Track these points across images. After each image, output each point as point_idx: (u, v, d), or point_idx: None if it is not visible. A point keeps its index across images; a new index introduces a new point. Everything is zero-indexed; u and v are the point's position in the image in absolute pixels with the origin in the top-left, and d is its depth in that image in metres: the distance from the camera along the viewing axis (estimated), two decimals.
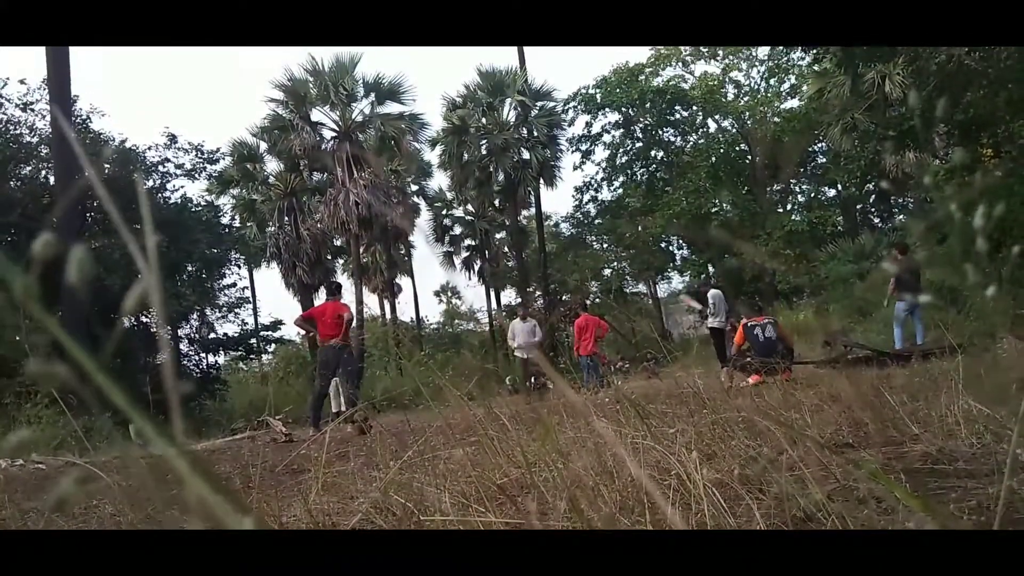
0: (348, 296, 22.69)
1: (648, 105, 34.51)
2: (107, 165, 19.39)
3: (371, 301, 33.60)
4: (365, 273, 29.58)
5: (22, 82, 19.24)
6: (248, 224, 29.26)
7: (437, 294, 47.62)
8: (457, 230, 34.98)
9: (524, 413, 2.95)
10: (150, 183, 21.30)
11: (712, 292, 12.99)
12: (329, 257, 30.02)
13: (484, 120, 29.30)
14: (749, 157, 34.74)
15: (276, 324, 31.72)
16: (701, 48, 34.30)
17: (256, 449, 5.47)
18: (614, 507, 1.55)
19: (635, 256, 35.41)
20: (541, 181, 29.62)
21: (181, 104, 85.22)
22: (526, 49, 29.95)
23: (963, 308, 10.52)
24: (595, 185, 36.67)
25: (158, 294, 0.44)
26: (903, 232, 22.54)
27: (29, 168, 19.64)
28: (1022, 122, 14.09)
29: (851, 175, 24.11)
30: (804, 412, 3.15)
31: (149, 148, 22.28)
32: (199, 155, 23.55)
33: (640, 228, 34.14)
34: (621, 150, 36.07)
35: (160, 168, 22.24)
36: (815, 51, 18.49)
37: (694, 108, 35.32)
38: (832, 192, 33.38)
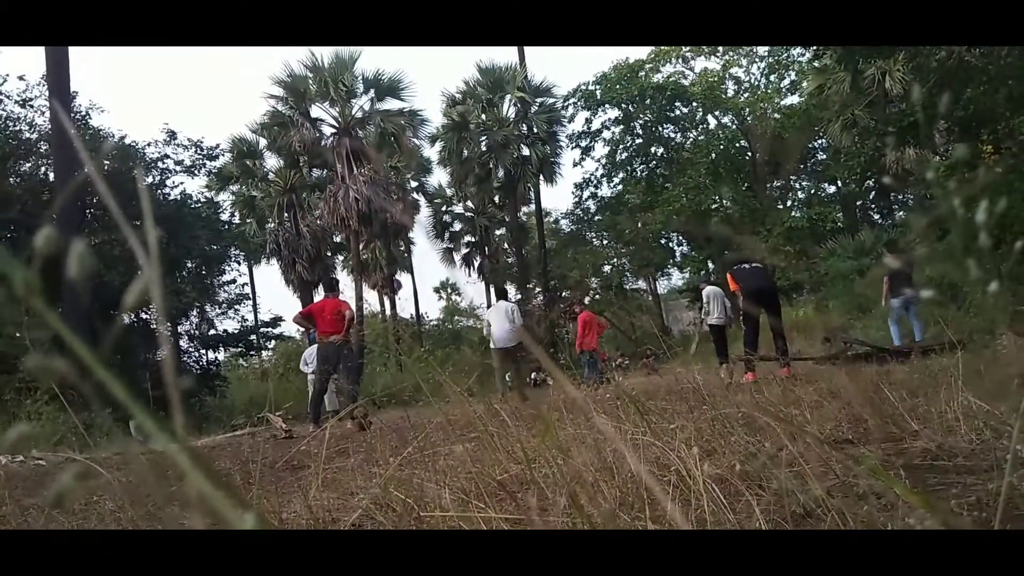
0: (348, 292, 22.72)
1: (648, 101, 34.48)
2: (106, 161, 19.37)
3: (371, 297, 33.66)
4: (365, 269, 29.56)
5: (21, 78, 19.25)
6: (248, 220, 29.26)
7: (437, 290, 47.66)
8: (457, 226, 34.97)
9: (524, 409, 2.96)
10: (149, 179, 21.29)
11: (708, 289, 12.98)
12: (329, 253, 30.02)
13: (484, 116, 29.28)
14: (749, 153, 34.71)
15: (276, 320, 31.73)
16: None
17: (256, 445, 5.48)
18: (614, 503, 1.56)
19: (635, 252, 35.40)
20: (541, 177, 29.61)
21: (180, 100, 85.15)
22: (526, 46, 29.92)
23: (963, 304, 10.52)
24: (595, 181, 36.66)
25: (158, 290, 0.44)
26: (903, 228, 22.55)
27: (29, 164, 19.63)
28: (1022, 118, 14.08)
29: (851, 171, 24.08)
30: (804, 408, 3.16)
31: (148, 144, 22.28)
32: (198, 151, 23.53)
33: (640, 224, 34.12)
34: (621, 146, 36.05)
35: (159, 164, 22.23)
36: (815, 47, 18.48)
37: (694, 104, 35.28)
38: (832, 188, 33.35)
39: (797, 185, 35.22)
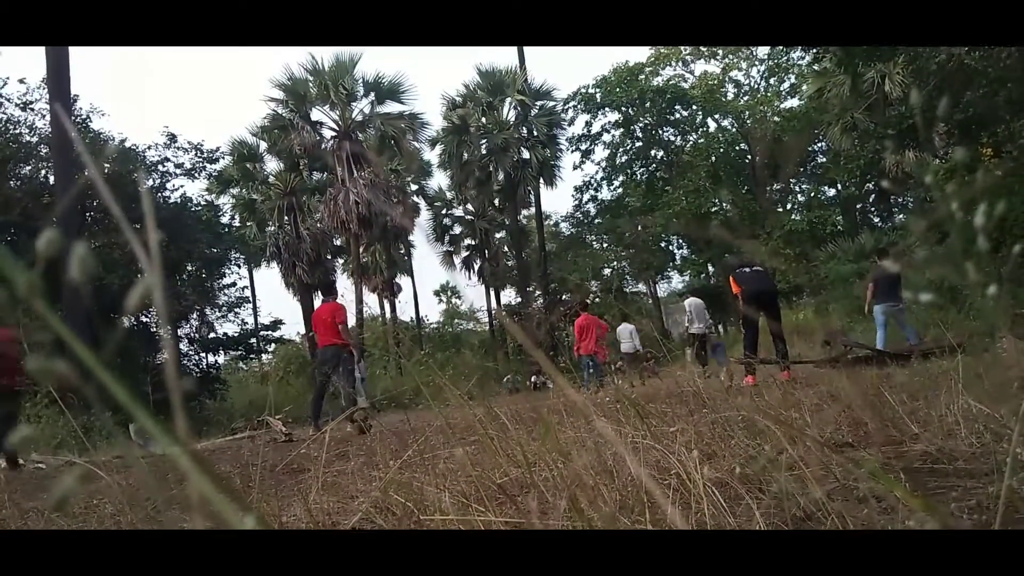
0: (348, 295, 22.71)
1: (648, 104, 34.54)
2: (107, 164, 19.39)
3: (371, 300, 33.64)
4: (365, 273, 29.57)
5: (21, 81, 19.27)
6: (248, 224, 29.28)
7: (437, 294, 47.67)
8: (457, 229, 34.98)
9: (524, 412, 2.96)
10: (150, 182, 21.31)
11: (689, 300, 13.27)
12: (329, 257, 30.04)
13: (484, 119, 29.32)
14: (749, 156, 34.76)
15: (276, 324, 31.75)
16: (701, 47, 34.31)
17: (256, 449, 5.47)
18: (614, 506, 1.55)
19: (635, 255, 35.43)
20: (541, 180, 29.65)
21: (181, 103, 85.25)
22: (526, 49, 30.00)
23: (963, 307, 10.52)
24: (595, 184, 36.72)
25: (160, 293, 0.45)
26: (903, 231, 22.56)
27: (29, 168, 19.65)
28: (1022, 121, 14.09)
29: (851, 174, 24.12)
30: (804, 411, 3.15)
31: (149, 147, 22.31)
32: (199, 154, 23.59)
33: (640, 227, 34.16)
34: (621, 149, 36.10)
35: (160, 167, 22.26)
36: (815, 50, 18.51)
37: (694, 107, 35.33)
38: (832, 191, 33.39)
39: (797, 188, 35.27)
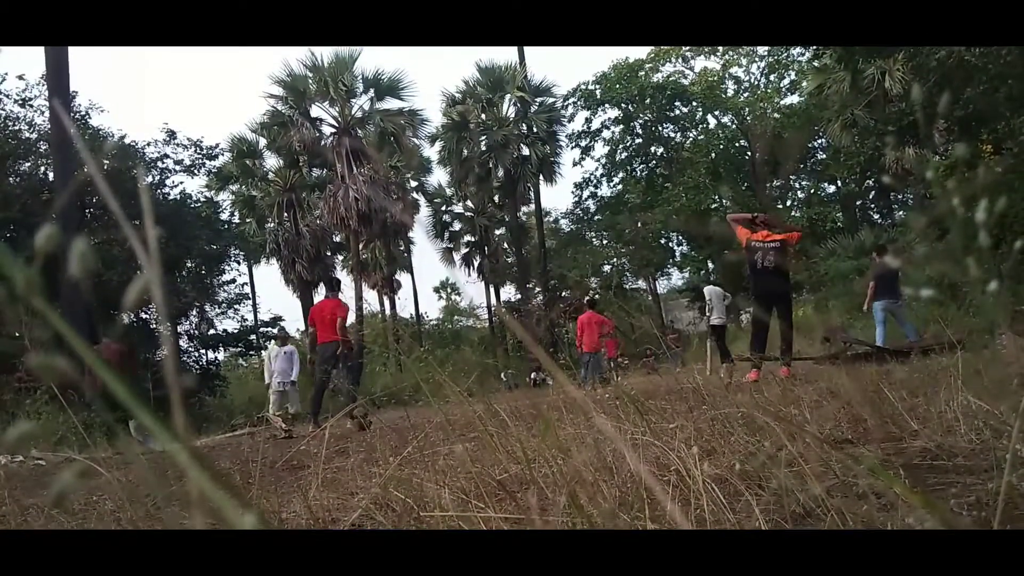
0: (348, 292, 22.68)
1: (648, 101, 34.50)
2: (106, 161, 19.37)
3: (371, 297, 33.65)
4: (364, 269, 29.55)
5: (20, 78, 19.26)
6: (247, 220, 29.26)
7: (436, 290, 47.66)
8: (457, 226, 34.95)
9: (524, 409, 2.96)
10: (149, 179, 21.31)
11: (708, 288, 12.94)
12: (328, 253, 30.01)
13: (484, 116, 29.30)
14: (749, 153, 34.73)
15: (276, 320, 31.73)
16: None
17: (256, 445, 5.47)
18: (614, 503, 1.56)
19: (635, 252, 35.41)
20: (541, 177, 29.63)
21: (180, 100, 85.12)
22: (526, 45, 29.94)
23: (963, 303, 10.52)
24: (595, 181, 36.69)
25: (159, 289, 0.44)
26: (903, 228, 22.56)
27: (28, 164, 19.64)
28: (1022, 118, 14.08)
29: (851, 171, 24.10)
30: (803, 408, 3.16)
31: (148, 144, 22.30)
32: (198, 151, 23.59)
33: (640, 224, 34.14)
34: (621, 146, 36.06)
35: (159, 164, 22.25)
36: (815, 47, 18.48)
37: (694, 104, 35.30)
38: (832, 188, 33.38)
39: (797, 185, 35.24)
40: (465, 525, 1.65)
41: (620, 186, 36.46)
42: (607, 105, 34.92)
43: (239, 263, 28.18)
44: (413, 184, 33.61)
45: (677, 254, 36.54)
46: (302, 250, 27.33)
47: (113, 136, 21.38)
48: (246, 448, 5.46)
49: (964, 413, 2.44)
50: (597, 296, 28.77)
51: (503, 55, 53.21)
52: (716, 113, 35.61)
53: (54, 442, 8.45)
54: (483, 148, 29.40)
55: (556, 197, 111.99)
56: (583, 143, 35.93)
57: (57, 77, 15.45)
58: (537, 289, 31.73)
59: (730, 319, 12.19)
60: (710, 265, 32.73)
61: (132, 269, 16.11)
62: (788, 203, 34.49)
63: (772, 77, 34.93)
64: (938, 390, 2.82)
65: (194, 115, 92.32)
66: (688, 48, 34.81)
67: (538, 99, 29.50)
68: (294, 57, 24.58)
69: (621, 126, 35.69)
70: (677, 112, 35.88)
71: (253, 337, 29.21)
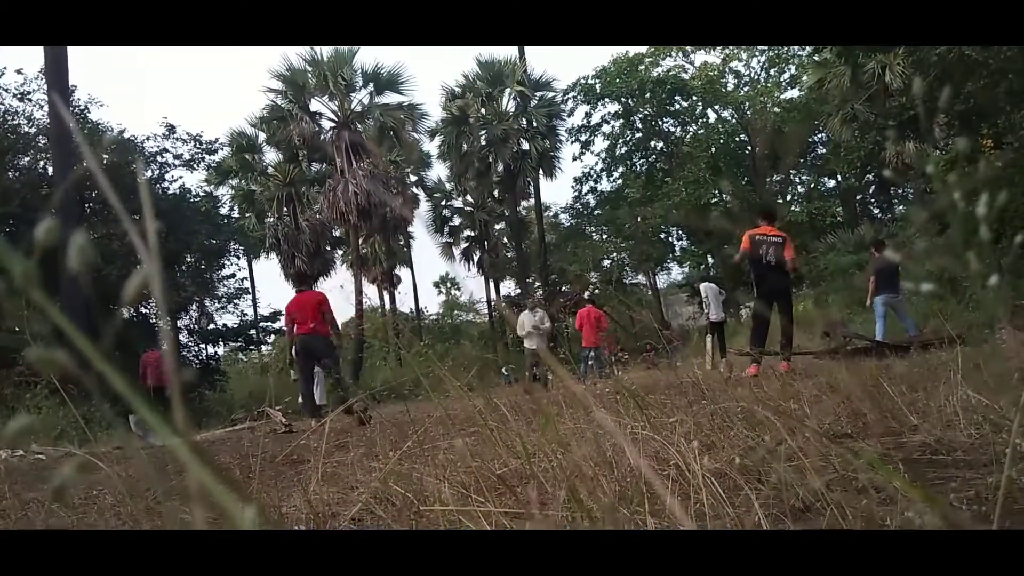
0: (347, 286, 22.68)
1: (648, 95, 34.42)
2: (105, 155, 19.35)
3: (370, 292, 33.65)
4: (364, 264, 29.55)
5: (19, 72, 19.22)
6: (247, 214, 29.26)
7: (436, 285, 47.66)
8: (456, 221, 34.95)
9: (524, 404, 2.96)
10: (148, 173, 21.28)
11: (704, 285, 12.92)
12: (328, 248, 30.02)
13: (483, 110, 29.26)
14: (749, 147, 34.68)
15: (275, 315, 31.72)
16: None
17: (256, 440, 5.48)
18: (613, 497, 1.56)
19: (634, 247, 35.37)
20: (540, 171, 29.61)
21: (179, 94, 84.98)
22: (526, 46, 29.88)
23: (963, 298, 10.54)
24: (594, 175, 36.63)
25: (159, 284, 0.44)
26: (903, 222, 22.55)
27: (27, 159, 19.61)
28: (1023, 112, 14.07)
29: (851, 165, 24.10)
30: (803, 402, 3.16)
31: (147, 138, 22.26)
32: (197, 145, 23.54)
33: (639, 219, 34.11)
34: (620, 140, 36.00)
35: (158, 158, 22.21)
36: None
37: (694, 98, 35.22)
38: (832, 182, 33.33)
39: (797, 179, 35.19)
40: (465, 519, 1.65)
41: (620, 181, 36.40)
42: (607, 99, 34.84)
43: (239, 258, 28.17)
44: (413, 179, 33.61)
45: (677, 249, 36.51)
46: (302, 244, 27.32)
47: (112, 131, 21.35)
48: (246, 442, 5.47)
49: (964, 408, 2.45)
50: (596, 291, 28.75)
51: (503, 50, 53.14)
52: (716, 107, 35.55)
53: (54, 436, 8.46)
54: (483, 143, 29.37)
55: (556, 192, 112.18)
56: (583, 137, 35.87)
57: (56, 72, 15.43)
58: (537, 284, 31.72)
59: (729, 314, 12.20)
60: (710, 260, 32.72)
61: (131, 263, 16.11)
62: (788, 197, 34.46)
63: (772, 71, 34.86)
64: (938, 385, 2.83)
65: (193, 109, 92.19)
66: None
67: (538, 93, 29.47)
68: (293, 52, 24.57)
69: (621, 120, 35.63)
70: (677, 106, 35.80)
71: (253, 332, 29.21)
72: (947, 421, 2.46)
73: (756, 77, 35.52)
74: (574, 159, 39.75)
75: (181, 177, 35.83)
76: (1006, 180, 12.18)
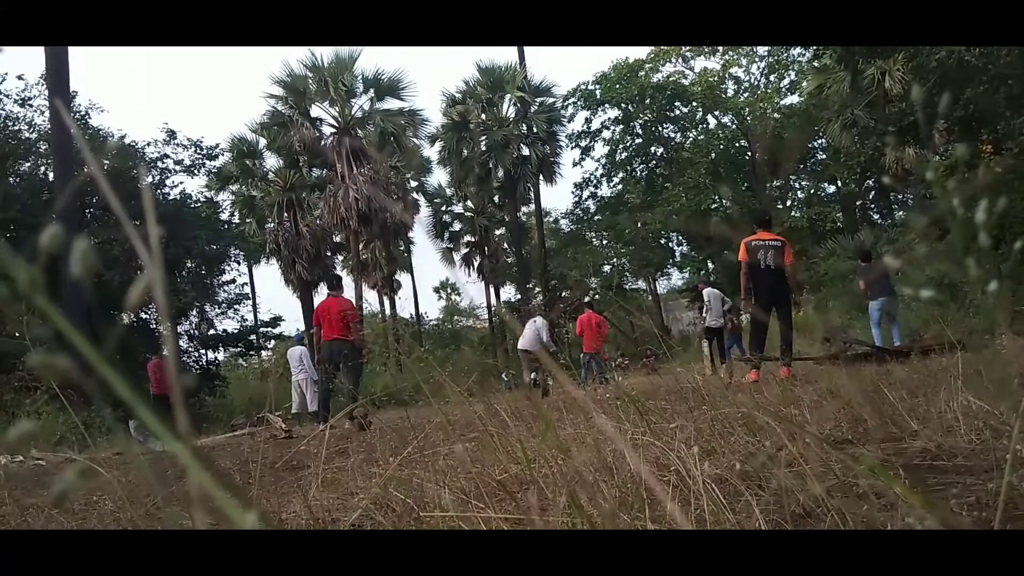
0: (348, 292, 22.68)
1: (648, 101, 34.49)
2: (106, 161, 19.37)
3: (371, 297, 33.65)
4: (364, 269, 29.56)
5: (20, 78, 19.26)
6: (247, 220, 29.24)
7: (437, 290, 47.64)
8: (457, 226, 34.98)
9: (524, 409, 2.96)
10: (149, 179, 21.31)
11: (708, 291, 12.92)
12: (328, 253, 30.01)
13: (484, 116, 29.30)
14: (749, 153, 34.74)
15: (276, 320, 31.73)
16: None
17: (256, 445, 5.48)
18: (614, 503, 1.56)
19: (634, 252, 35.40)
20: (541, 177, 29.63)
21: (180, 100, 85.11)
22: (526, 46, 29.94)
23: (963, 304, 10.52)
24: (595, 181, 36.68)
25: (161, 289, 0.44)
26: (903, 228, 22.55)
27: (28, 164, 19.63)
28: (1022, 118, 14.08)
29: (851, 171, 24.09)
30: (803, 408, 3.16)
31: (148, 144, 22.29)
32: (198, 151, 23.58)
33: (639, 224, 34.13)
34: (621, 146, 36.06)
35: (159, 164, 22.24)
36: (815, 47, 18.48)
37: (694, 104, 35.29)
38: (832, 188, 33.36)
39: (797, 185, 35.22)
40: (465, 525, 1.65)
41: (620, 186, 36.45)
42: (607, 105, 34.91)
43: (239, 263, 28.16)
44: (413, 184, 33.61)
45: (677, 254, 36.54)
46: (302, 250, 27.31)
47: (113, 136, 21.39)
48: (246, 448, 5.47)
49: (964, 413, 2.45)
50: (596, 297, 28.74)
51: (503, 55, 53.31)
52: (716, 113, 35.61)
53: (53, 442, 8.45)
54: (483, 148, 29.40)
55: (556, 197, 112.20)
56: (583, 143, 35.95)
57: (57, 77, 15.45)
58: (537, 289, 31.73)
59: (729, 319, 12.21)
60: (710, 265, 32.73)
61: (132, 269, 16.12)
62: (788, 203, 34.49)
63: (772, 77, 34.92)
64: (938, 390, 2.82)
65: (194, 115, 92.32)
66: (688, 48, 34.81)
67: (538, 99, 29.51)
68: (294, 57, 24.64)
69: (621, 126, 35.69)
70: (677, 112, 35.88)
71: (253, 337, 29.19)
72: (947, 427, 2.46)
73: (756, 83, 35.60)
74: (574, 165, 39.77)
75: (182, 183, 35.99)
76: (1006, 186, 12.19)
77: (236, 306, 27.27)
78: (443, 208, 35.09)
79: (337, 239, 29.75)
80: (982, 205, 0.70)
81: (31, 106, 19.38)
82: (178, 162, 22.98)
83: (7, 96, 18.98)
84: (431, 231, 34.46)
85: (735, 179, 33.71)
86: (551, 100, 30.43)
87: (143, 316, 19.24)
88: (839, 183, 30.82)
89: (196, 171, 23.94)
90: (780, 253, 7.99)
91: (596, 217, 37.08)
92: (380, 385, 14.46)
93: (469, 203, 33.73)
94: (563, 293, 33.89)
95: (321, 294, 23.70)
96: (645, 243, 34.84)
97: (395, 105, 25.70)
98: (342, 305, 9.19)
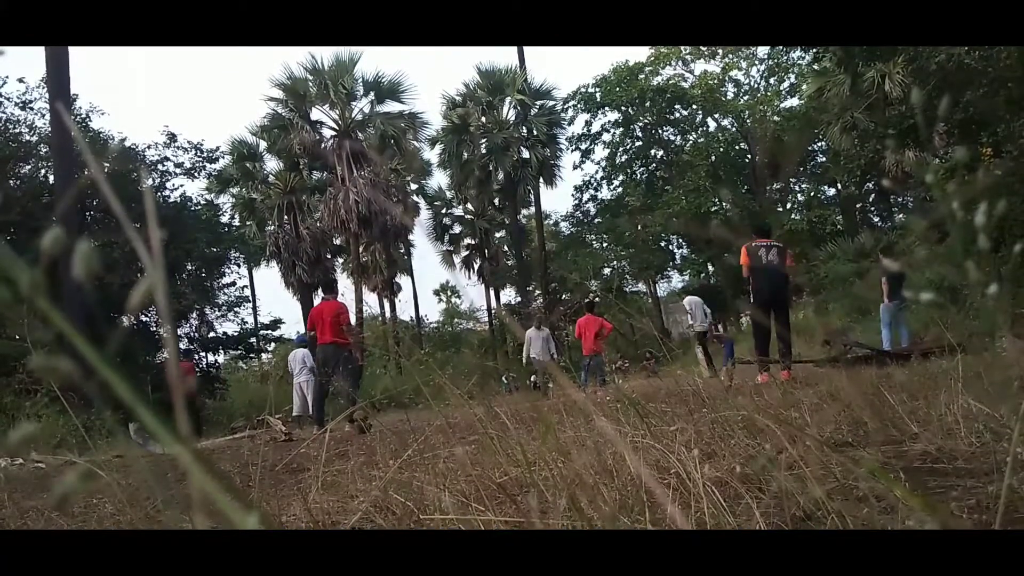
0: (348, 295, 22.67)
1: (648, 104, 34.54)
2: (107, 164, 19.39)
3: (371, 300, 33.65)
4: (365, 272, 29.57)
5: (21, 81, 19.26)
6: (248, 223, 29.24)
7: (437, 293, 47.67)
8: (457, 229, 34.98)
9: (525, 412, 2.96)
10: (150, 181, 21.31)
11: (688, 299, 13.29)
12: (329, 256, 30.01)
13: (484, 119, 29.32)
14: (749, 156, 34.77)
15: (276, 323, 31.71)
16: (701, 47, 34.30)
17: (256, 448, 5.47)
18: (614, 506, 1.56)
19: (635, 255, 35.43)
20: (541, 180, 29.64)
21: (180, 103, 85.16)
22: (526, 48, 30.00)
23: (963, 307, 10.52)
24: (595, 184, 36.72)
25: (162, 292, 0.45)
26: (903, 231, 22.55)
27: (28, 167, 19.64)
28: (1022, 121, 14.08)
29: (851, 174, 24.11)
30: (804, 411, 3.15)
31: (148, 147, 22.30)
32: (198, 154, 23.58)
33: (640, 227, 34.16)
34: (621, 149, 36.10)
35: (159, 167, 22.25)
36: (815, 50, 18.52)
37: (694, 107, 35.33)
38: (832, 191, 33.40)
39: (797, 188, 35.26)
40: (465, 528, 1.65)
41: (620, 189, 36.48)
42: (607, 108, 34.96)
43: (239, 266, 28.18)
44: (413, 187, 33.64)
45: (677, 257, 36.58)
46: (302, 253, 27.31)
47: (113, 139, 21.40)
48: (246, 451, 5.46)
49: (964, 416, 2.44)
50: (597, 299, 28.78)
51: (503, 58, 53.28)
52: (716, 116, 35.64)
53: (54, 445, 8.44)
54: (483, 151, 29.42)
55: (556, 200, 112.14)
56: (583, 146, 35.99)
57: (57, 79, 15.45)
58: (537, 292, 31.73)
59: (729, 322, 12.36)
60: (710, 268, 32.75)
61: (133, 272, 16.11)
62: (788, 206, 34.52)
63: (772, 80, 34.98)
64: (938, 393, 2.82)
65: (195, 118, 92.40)
66: (688, 51, 34.86)
67: (538, 102, 29.53)
68: (294, 60, 24.68)
69: (621, 129, 35.73)
70: (677, 115, 35.92)
71: (253, 340, 29.19)
72: (948, 430, 2.45)
73: (756, 86, 35.65)
74: (574, 167, 39.78)
75: (182, 185, 35.96)
76: (1005, 189, 12.19)
77: (236, 309, 27.28)
78: (443, 211, 35.10)
79: (337, 242, 29.76)
80: (982, 208, 0.70)
81: (32, 109, 19.40)
82: (178, 165, 22.99)
83: (8, 99, 19.00)
84: (431, 234, 34.49)
85: (735, 182, 33.74)
86: (551, 103, 30.47)
87: (144, 318, 19.22)
88: (839, 186, 30.86)
89: (196, 174, 23.95)
90: (780, 256, 8.05)
91: (596, 220, 37.12)
92: (380, 388, 14.46)
93: (469, 206, 33.73)
94: (563, 296, 33.90)
95: (319, 295, 23.70)
96: (645, 246, 34.86)
97: (395, 108, 25.74)
98: (336, 308, 9.13)
